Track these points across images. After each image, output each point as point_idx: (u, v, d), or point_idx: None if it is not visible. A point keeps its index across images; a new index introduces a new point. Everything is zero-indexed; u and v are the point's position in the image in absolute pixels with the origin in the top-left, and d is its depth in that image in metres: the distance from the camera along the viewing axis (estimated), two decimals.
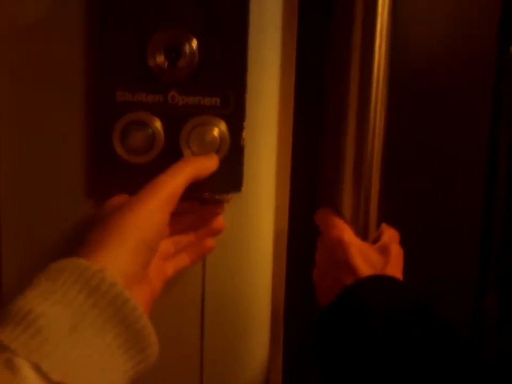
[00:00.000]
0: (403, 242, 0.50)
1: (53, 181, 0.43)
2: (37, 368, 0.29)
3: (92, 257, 0.34)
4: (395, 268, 0.46)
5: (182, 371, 0.46)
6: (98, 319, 0.32)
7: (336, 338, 0.42)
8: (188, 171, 0.39)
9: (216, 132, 0.41)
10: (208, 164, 0.41)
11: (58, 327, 0.30)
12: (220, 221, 0.44)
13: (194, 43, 0.40)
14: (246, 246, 0.46)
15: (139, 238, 0.35)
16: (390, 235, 0.50)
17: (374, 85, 0.49)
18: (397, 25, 0.49)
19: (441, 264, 0.61)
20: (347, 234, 0.47)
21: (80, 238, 0.37)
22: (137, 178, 0.42)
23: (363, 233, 0.50)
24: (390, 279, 0.44)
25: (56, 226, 0.43)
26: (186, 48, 0.40)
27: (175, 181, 0.38)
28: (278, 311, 0.56)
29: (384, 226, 0.51)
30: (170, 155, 0.41)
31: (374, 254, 0.46)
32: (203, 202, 0.43)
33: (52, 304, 0.31)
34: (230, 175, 0.42)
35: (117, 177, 0.42)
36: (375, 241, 0.50)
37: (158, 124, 0.41)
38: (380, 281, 0.43)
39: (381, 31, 0.49)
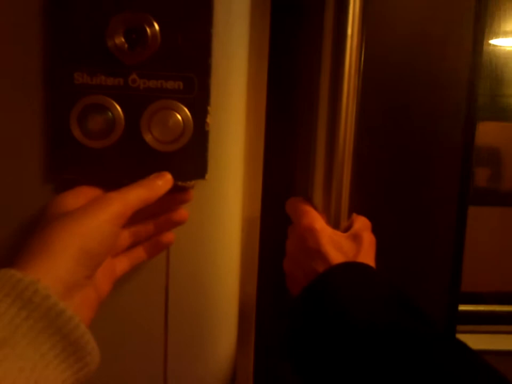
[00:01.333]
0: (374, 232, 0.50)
1: (9, 165, 0.41)
2: None
3: (30, 266, 0.33)
4: (367, 256, 0.45)
5: (145, 364, 0.45)
6: (31, 331, 0.31)
7: (308, 326, 0.41)
8: (140, 191, 0.38)
9: (179, 116, 0.40)
10: (160, 185, 0.39)
11: None
12: (183, 212, 0.43)
13: (156, 25, 0.39)
14: (212, 234, 0.44)
15: (81, 247, 0.35)
16: (361, 223, 0.49)
17: (346, 74, 0.48)
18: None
19: (411, 256, 0.60)
20: (318, 222, 0.47)
21: (26, 236, 0.36)
22: (96, 163, 0.41)
23: (334, 222, 0.49)
24: (362, 266, 0.43)
25: (12, 213, 0.41)
26: (148, 30, 0.39)
27: (126, 199, 0.37)
28: (249, 303, 0.55)
29: (355, 215, 0.51)
30: (131, 140, 0.40)
31: (346, 242, 0.46)
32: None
33: None
34: (194, 161, 0.41)
35: (76, 162, 0.40)
36: (347, 230, 0.49)
37: (118, 108, 0.40)
38: (352, 268, 0.42)
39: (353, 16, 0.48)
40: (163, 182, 0.40)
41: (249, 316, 0.55)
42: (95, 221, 0.36)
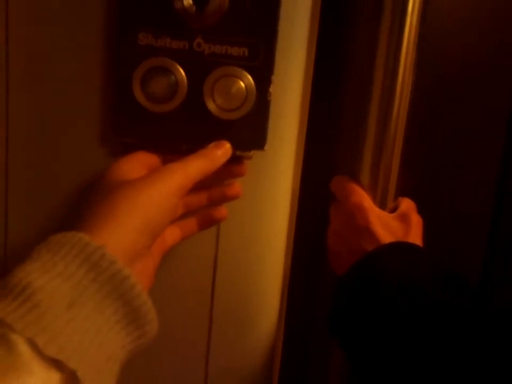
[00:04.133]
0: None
1: (68, 126, 0.40)
2: (32, 344, 0.29)
3: (95, 232, 0.33)
4: (416, 236, 0.45)
5: (190, 336, 0.45)
6: (97, 294, 0.31)
7: (356, 304, 0.41)
8: (202, 163, 0.38)
9: (242, 84, 0.39)
10: (221, 156, 0.39)
11: (57, 302, 0.30)
12: (237, 187, 0.42)
13: None
14: (264, 208, 0.44)
15: (144, 218, 0.34)
16: (408, 204, 0.49)
17: (404, 49, 0.47)
18: None
19: (447, 248, 0.60)
20: (367, 201, 0.46)
21: (87, 201, 0.36)
22: (156, 128, 0.40)
23: (381, 202, 0.49)
24: (412, 246, 0.43)
25: (69, 174, 0.41)
26: None
27: (187, 170, 0.37)
28: (284, 278, 0.55)
29: (401, 197, 0.50)
30: (193, 106, 0.39)
31: (394, 222, 0.45)
32: None
33: (52, 278, 0.31)
34: (254, 131, 0.40)
35: (135, 126, 0.39)
36: (392, 211, 0.48)
37: (181, 72, 0.39)
38: (401, 248, 0.42)
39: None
40: (222, 152, 0.39)
41: (283, 290, 0.55)
42: (158, 192, 0.35)
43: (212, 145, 0.39)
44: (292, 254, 0.55)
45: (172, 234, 0.41)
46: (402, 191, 0.51)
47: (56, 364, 0.29)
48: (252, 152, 0.41)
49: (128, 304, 0.32)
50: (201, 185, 0.42)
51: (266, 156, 0.42)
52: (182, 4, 0.38)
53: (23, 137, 0.41)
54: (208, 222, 0.43)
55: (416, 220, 0.47)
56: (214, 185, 0.42)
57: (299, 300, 0.55)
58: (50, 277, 0.31)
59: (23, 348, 0.28)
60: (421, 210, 0.50)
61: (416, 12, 0.46)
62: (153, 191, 0.35)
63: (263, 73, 0.39)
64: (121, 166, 0.38)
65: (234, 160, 0.41)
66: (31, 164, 0.41)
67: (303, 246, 0.56)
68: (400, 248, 0.43)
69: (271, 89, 0.40)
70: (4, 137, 0.41)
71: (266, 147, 0.41)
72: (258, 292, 0.46)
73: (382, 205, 0.49)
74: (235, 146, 0.40)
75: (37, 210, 0.42)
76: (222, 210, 0.43)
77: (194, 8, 0.38)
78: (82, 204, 0.37)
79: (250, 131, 0.40)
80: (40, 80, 0.40)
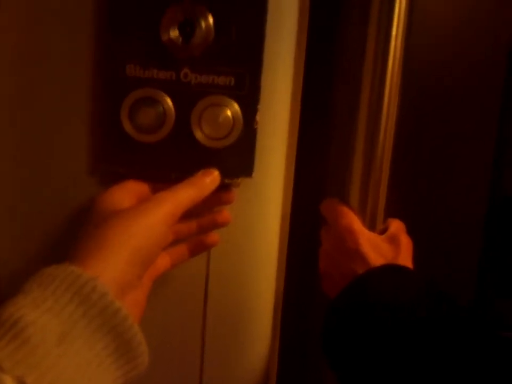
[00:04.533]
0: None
1: (58, 156, 0.41)
2: (21, 383, 0.28)
3: (87, 263, 0.33)
4: (405, 258, 0.45)
5: (182, 363, 0.45)
6: (87, 328, 0.31)
7: (348, 328, 0.41)
8: (191, 192, 0.38)
9: (229, 113, 0.40)
10: (209, 184, 0.39)
11: (47, 337, 0.30)
12: (226, 214, 0.43)
13: (210, 18, 0.39)
14: (253, 233, 0.44)
15: (136, 248, 0.35)
16: (397, 226, 0.49)
17: (389, 76, 0.48)
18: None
19: (441, 262, 0.60)
20: (356, 223, 0.47)
21: (76, 234, 0.36)
22: (145, 157, 0.40)
23: (370, 224, 0.49)
24: (403, 268, 0.43)
25: (59, 203, 0.41)
26: (202, 23, 0.38)
27: (176, 199, 0.37)
28: (277, 301, 0.55)
29: (390, 218, 0.51)
30: (181, 135, 0.40)
31: (384, 244, 0.46)
32: None
33: (42, 313, 0.31)
34: (242, 159, 0.41)
35: (124, 155, 0.40)
36: (382, 232, 0.49)
37: (169, 102, 0.39)
38: (392, 270, 0.43)
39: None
40: (211, 179, 0.39)
41: (276, 313, 0.55)
42: (149, 221, 0.35)
43: (200, 173, 0.40)
44: (284, 279, 0.55)
45: (163, 262, 0.42)
46: (393, 203, 0.51)
47: None
48: (239, 180, 0.41)
49: (119, 337, 0.32)
50: (190, 213, 0.42)
51: (254, 183, 0.43)
52: (169, 35, 0.38)
53: (13, 166, 0.41)
54: (199, 248, 0.43)
55: (405, 241, 0.47)
56: (203, 213, 0.42)
57: (292, 324, 0.55)
58: (40, 311, 0.31)
59: None
60: (411, 220, 0.50)
61: (400, 33, 0.47)
62: (144, 222, 0.35)
63: (250, 102, 0.40)
64: (112, 195, 0.38)
65: (223, 188, 0.41)
66: (20, 192, 0.42)
67: (295, 269, 0.56)
68: (391, 270, 0.43)
69: (257, 118, 0.40)
70: None
71: (253, 174, 0.42)
72: (250, 319, 0.46)
73: (372, 227, 0.49)
74: (223, 174, 0.40)
75: (26, 239, 0.42)
76: (213, 236, 0.43)
77: (180, 39, 0.38)
78: (75, 233, 0.37)
79: (237, 159, 0.41)
80: (29, 109, 0.40)
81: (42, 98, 0.40)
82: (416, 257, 0.48)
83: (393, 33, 0.47)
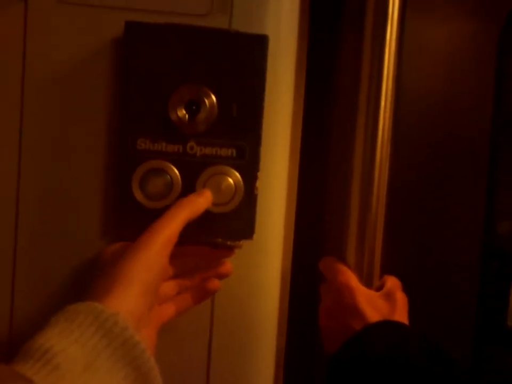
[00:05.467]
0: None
1: (74, 222, 0.44)
2: None
3: (103, 300, 0.36)
4: (401, 314, 0.47)
5: None
6: (110, 358, 0.34)
7: (347, 381, 0.42)
8: (183, 214, 0.41)
9: (231, 181, 0.43)
10: (201, 203, 0.42)
11: (75, 364, 0.33)
12: (228, 265, 0.45)
13: (213, 98, 0.43)
14: (254, 291, 0.47)
15: (144, 280, 0.38)
16: (393, 283, 0.51)
17: (379, 140, 0.52)
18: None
19: (437, 316, 0.62)
20: (354, 280, 0.49)
21: (88, 281, 0.39)
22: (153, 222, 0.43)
23: (367, 281, 0.52)
24: (399, 325, 0.45)
25: (72, 260, 0.44)
26: (206, 102, 0.43)
27: (171, 226, 0.40)
28: (279, 355, 0.56)
29: (386, 275, 0.53)
30: None
31: (380, 301, 0.48)
32: (214, 247, 0.45)
33: (70, 343, 0.34)
34: (243, 222, 0.44)
35: (134, 221, 0.43)
36: (379, 289, 0.51)
37: (176, 172, 0.43)
38: (388, 327, 0.45)
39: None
40: (204, 199, 0.42)
41: (278, 368, 0.57)
42: (149, 254, 0.38)
43: (193, 195, 0.43)
44: (286, 335, 0.57)
45: (168, 310, 0.44)
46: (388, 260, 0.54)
47: None
48: (241, 242, 0.44)
49: (138, 369, 0.35)
50: (193, 267, 0.45)
51: (255, 245, 0.46)
52: (176, 114, 0.43)
53: (32, 228, 0.45)
54: (202, 294, 0.45)
55: (401, 298, 0.49)
56: (205, 266, 0.45)
57: (294, 380, 0.57)
58: (68, 342, 0.34)
59: None
60: (407, 276, 0.52)
61: (390, 85, 0.51)
62: (144, 256, 0.38)
63: (250, 170, 0.44)
64: (116, 244, 0.42)
65: (225, 250, 0.44)
66: (38, 249, 0.45)
67: (297, 326, 0.58)
68: (387, 327, 0.45)
69: (257, 185, 0.44)
70: (13, 225, 0.45)
71: (254, 237, 0.45)
72: (252, 374, 0.48)
73: (368, 284, 0.51)
74: (226, 237, 0.44)
75: (42, 290, 0.45)
76: (215, 282, 0.45)
77: (187, 117, 0.43)
78: (92, 277, 0.40)
79: (239, 222, 0.44)
80: (51, 181, 0.45)
81: (61, 170, 0.44)
82: (411, 311, 0.50)
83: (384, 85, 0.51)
